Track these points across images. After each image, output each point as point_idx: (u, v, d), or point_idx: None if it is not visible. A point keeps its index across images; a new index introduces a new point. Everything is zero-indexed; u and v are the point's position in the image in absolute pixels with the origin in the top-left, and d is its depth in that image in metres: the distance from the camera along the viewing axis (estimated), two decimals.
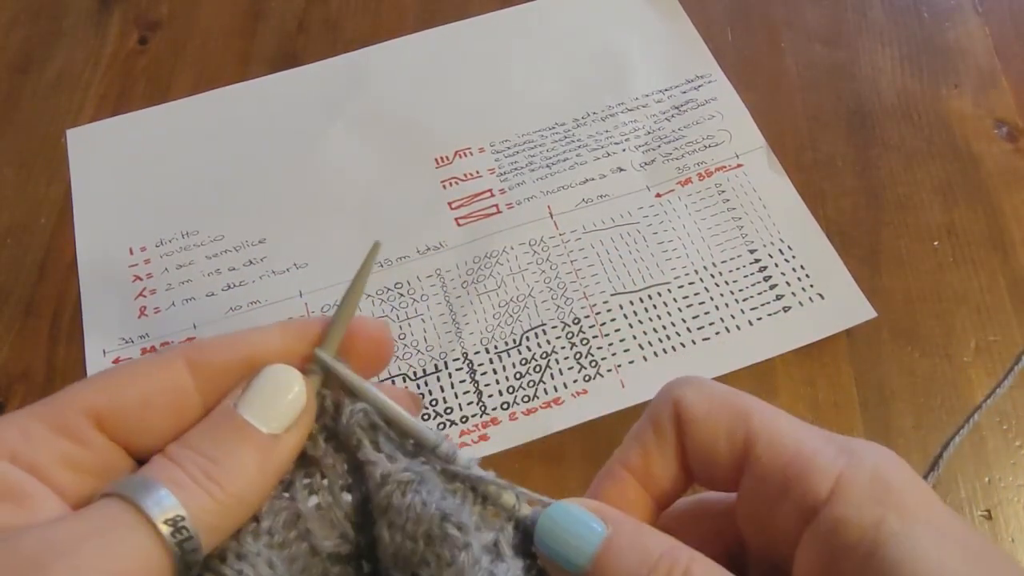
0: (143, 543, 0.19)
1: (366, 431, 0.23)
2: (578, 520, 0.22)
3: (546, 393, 0.46)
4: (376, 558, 0.23)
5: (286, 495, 0.23)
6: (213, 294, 0.51)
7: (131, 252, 0.53)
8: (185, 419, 0.23)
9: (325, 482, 0.23)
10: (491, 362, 0.47)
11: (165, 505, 0.20)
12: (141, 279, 0.52)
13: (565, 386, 0.46)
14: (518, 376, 0.47)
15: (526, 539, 0.23)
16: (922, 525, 0.20)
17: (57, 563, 0.18)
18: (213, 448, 0.22)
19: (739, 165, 0.54)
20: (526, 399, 0.46)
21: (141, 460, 0.23)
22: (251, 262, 0.52)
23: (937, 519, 0.21)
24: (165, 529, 0.19)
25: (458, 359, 0.47)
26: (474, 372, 0.47)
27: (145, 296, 0.51)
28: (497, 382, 0.46)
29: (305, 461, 0.23)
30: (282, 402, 0.23)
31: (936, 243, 0.50)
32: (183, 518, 0.20)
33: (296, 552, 0.23)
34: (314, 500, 0.23)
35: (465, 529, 0.22)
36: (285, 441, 0.23)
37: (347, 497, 0.23)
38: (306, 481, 0.23)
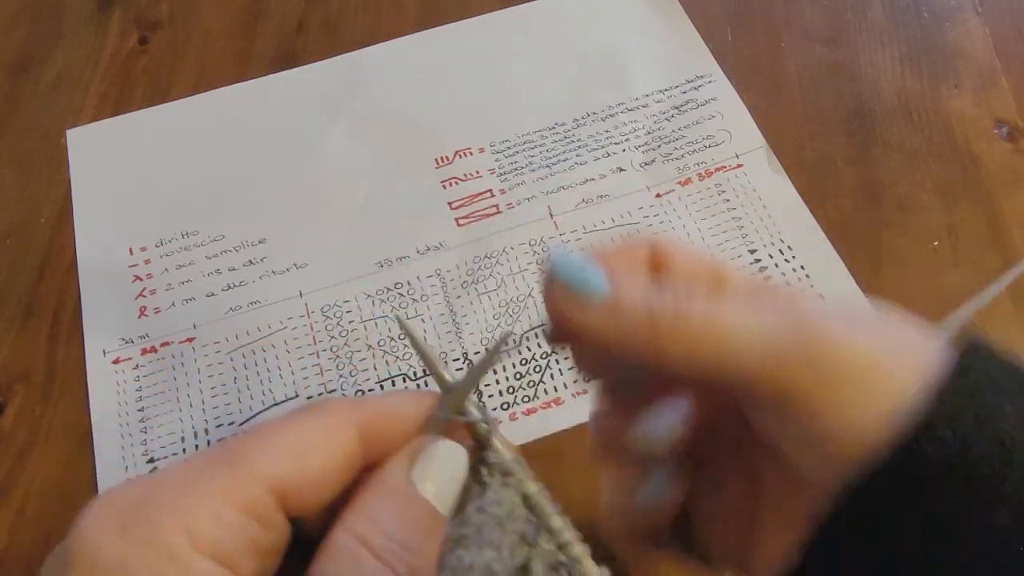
0: None
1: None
2: (588, 262, 0.23)
3: (546, 393, 0.46)
4: None
5: None
6: (213, 294, 0.51)
7: (131, 252, 0.53)
8: (346, 482, 0.22)
9: None
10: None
11: None
12: (141, 279, 0.52)
13: (565, 386, 0.46)
14: (518, 376, 0.47)
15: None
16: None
17: None
18: (411, 537, 0.21)
19: (739, 165, 0.54)
20: (526, 399, 0.46)
21: (294, 520, 0.22)
22: (251, 262, 0.52)
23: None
24: None
25: (458, 359, 0.47)
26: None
27: (145, 296, 0.51)
28: (497, 382, 0.46)
29: None
30: (455, 482, 0.23)
31: (936, 243, 0.50)
32: None
33: None
34: None
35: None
36: (447, 524, 0.22)
37: None
38: None
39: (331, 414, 0.22)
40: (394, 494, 0.22)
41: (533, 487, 0.23)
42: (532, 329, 0.48)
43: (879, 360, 0.21)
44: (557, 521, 0.23)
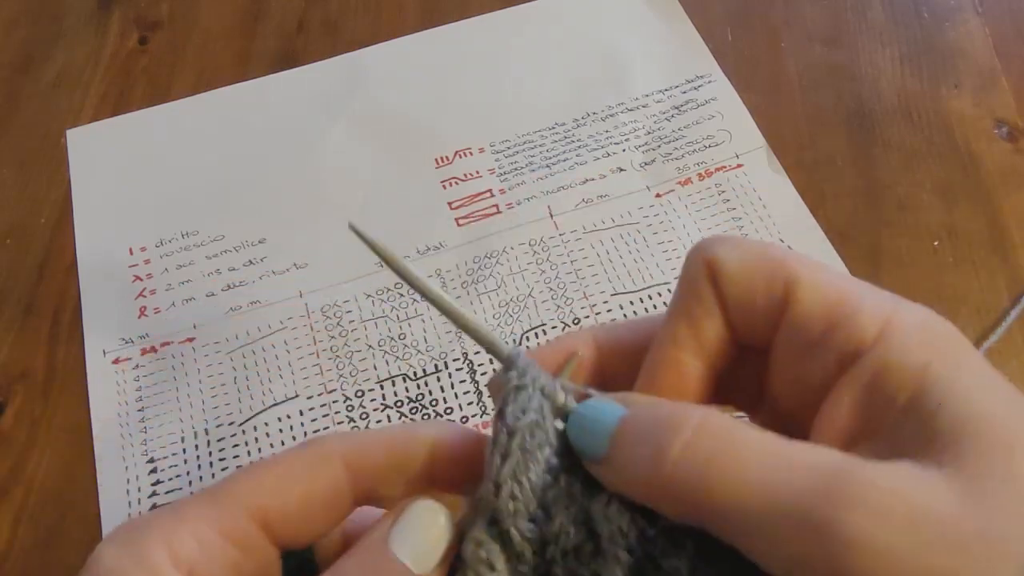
0: None
1: (484, 563, 0.23)
2: (598, 407, 0.22)
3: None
4: None
5: None
6: (213, 294, 0.51)
7: (131, 252, 0.53)
8: (335, 518, 0.24)
9: None
10: (491, 362, 0.47)
11: None
12: (141, 279, 0.52)
13: None
14: None
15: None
16: (967, 371, 0.19)
17: None
18: None
19: (739, 165, 0.54)
20: None
21: (284, 549, 0.23)
22: (251, 262, 0.52)
23: (981, 368, 0.19)
24: None
25: (458, 359, 0.47)
26: (474, 372, 0.47)
27: (145, 296, 0.51)
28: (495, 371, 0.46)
29: None
30: (431, 542, 0.23)
31: (936, 243, 0.50)
32: None
33: None
34: None
35: None
36: None
37: None
38: None
39: (317, 447, 0.24)
40: (367, 555, 0.23)
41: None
42: (532, 329, 0.48)
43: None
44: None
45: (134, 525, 0.22)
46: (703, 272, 0.23)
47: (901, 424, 0.19)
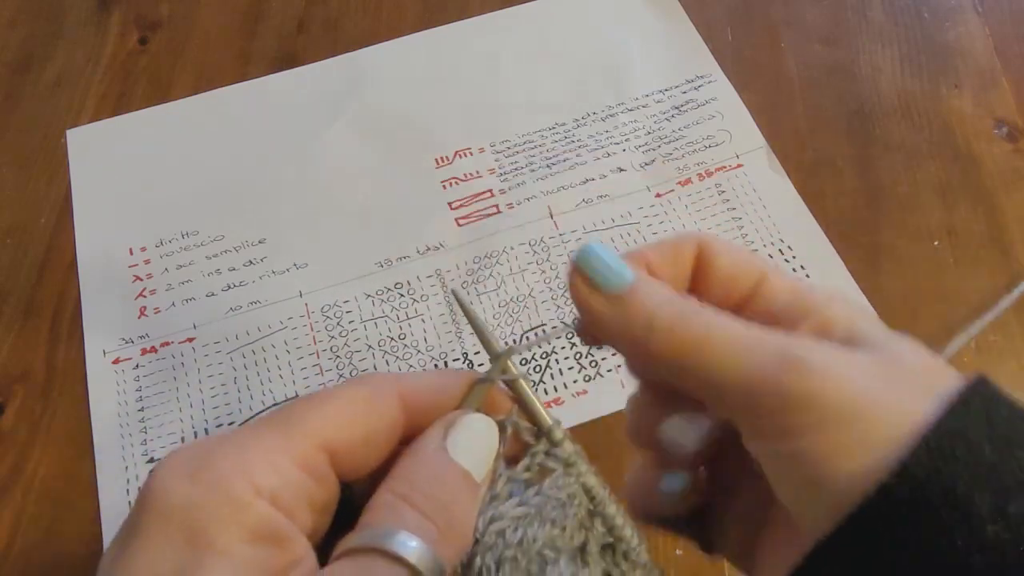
0: None
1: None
2: (614, 256, 0.24)
3: (546, 393, 0.46)
4: None
5: None
6: (213, 294, 0.51)
7: (131, 252, 0.53)
8: (389, 452, 0.24)
9: None
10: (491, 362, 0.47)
11: (426, 560, 0.21)
12: (141, 279, 0.52)
13: (565, 386, 0.46)
14: None
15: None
16: (869, 318, 0.23)
17: None
18: (445, 495, 0.23)
19: (739, 165, 0.54)
20: None
21: (344, 487, 0.24)
22: (251, 262, 0.52)
23: (869, 336, 0.23)
24: None
25: (458, 359, 0.47)
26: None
27: (145, 296, 0.51)
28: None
29: None
30: (487, 452, 0.24)
31: (936, 243, 0.50)
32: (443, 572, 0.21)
33: None
34: None
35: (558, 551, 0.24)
36: (483, 488, 0.24)
37: None
38: None
39: (376, 385, 0.24)
40: (430, 459, 0.23)
41: (594, 479, 0.26)
42: (532, 329, 0.48)
43: (871, 404, 0.20)
44: (613, 509, 0.26)
45: (199, 455, 0.21)
46: (693, 241, 0.26)
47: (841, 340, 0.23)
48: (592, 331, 0.25)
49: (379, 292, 0.50)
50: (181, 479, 0.20)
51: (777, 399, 0.21)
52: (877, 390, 0.21)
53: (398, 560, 0.20)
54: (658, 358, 0.23)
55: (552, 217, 0.52)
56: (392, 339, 0.48)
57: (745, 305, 0.25)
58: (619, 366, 0.47)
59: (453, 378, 0.26)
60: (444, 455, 0.23)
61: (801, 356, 0.21)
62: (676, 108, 0.56)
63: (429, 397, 0.25)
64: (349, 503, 0.24)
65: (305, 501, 0.22)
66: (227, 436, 0.22)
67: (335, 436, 0.22)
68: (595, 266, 0.24)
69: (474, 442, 0.24)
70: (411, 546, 0.21)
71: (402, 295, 0.50)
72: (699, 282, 0.26)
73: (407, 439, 0.24)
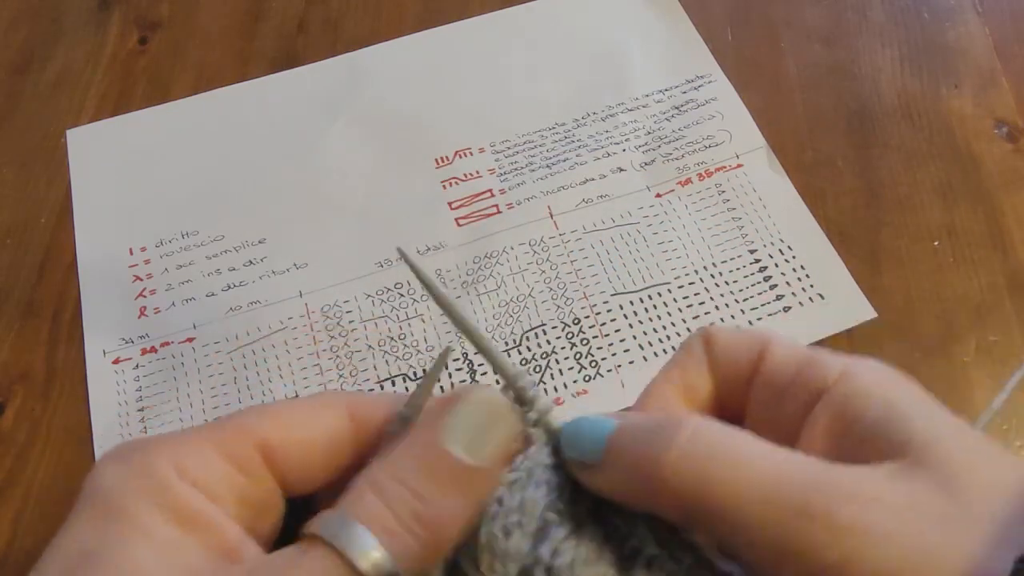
0: None
1: None
2: (592, 420, 0.24)
3: (546, 393, 0.46)
4: None
5: None
6: (213, 294, 0.51)
7: (131, 252, 0.53)
8: (337, 464, 0.24)
9: None
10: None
11: (373, 558, 0.19)
12: (141, 279, 0.52)
13: (565, 386, 0.46)
14: None
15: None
16: (919, 395, 0.22)
17: None
18: (421, 483, 0.21)
19: (739, 165, 0.54)
20: None
21: (288, 495, 0.24)
22: (251, 262, 0.52)
23: (927, 395, 0.22)
24: None
25: (458, 359, 0.47)
26: (474, 372, 0.47)
27: (145, 296, 0.51)
28: (497, 382, 0.46)
29: None
30: (495, 432, 0.23)
31: (936, 243, 0.50)
32: (395, 574, 0.20)
33: None
34: None
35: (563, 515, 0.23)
36: (490, 474, 0.23)
37: None
38: None
39: (323, 396, 0.25)
40: (417, 444, 0.22)
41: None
42: (532, 329, 0.48)
43: (923, 563, 0.18)
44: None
45: (134, 445, 0.22)
46: (699, 337, 0.26)
47: (872, 439, 0.21)
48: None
49: (379, 292, 0.50)
50: (113, 463, 0.22)
51: (802, 567, 0.18)
52: (930, 545, 0.18)
53: (340, 555, 0.19)
54: (666, 510, 0.21)
55: (552, 217, 0.52)
56: (392, 339, 0.48)
57: (751, 383, 0.25)
58: (619, 366, 0.47)
59: (408, 397, 0.26)
60: (434, 441, 0.22)
61: (827, 511, 0.18)
62: (676, 108, 0.56)
63: (381, 412, 0.24)
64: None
65: (234, 493, 0.22)
66: (169, 433, 0.23)
67: (270, 436, 0.23)
68: (571, 444, 0.23)
69: (471, 421, 0.23)
70: (360, 540, 0.20)
71: (402, 295, 0.50)
72: (711, 368, 0.26)
73: (367, 455, 0.24)
